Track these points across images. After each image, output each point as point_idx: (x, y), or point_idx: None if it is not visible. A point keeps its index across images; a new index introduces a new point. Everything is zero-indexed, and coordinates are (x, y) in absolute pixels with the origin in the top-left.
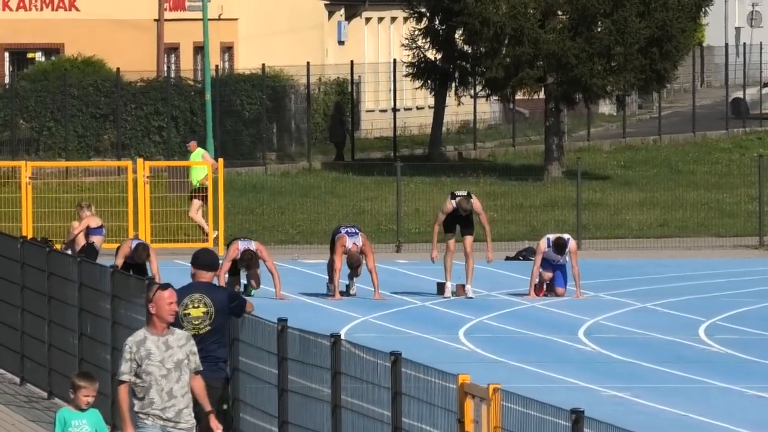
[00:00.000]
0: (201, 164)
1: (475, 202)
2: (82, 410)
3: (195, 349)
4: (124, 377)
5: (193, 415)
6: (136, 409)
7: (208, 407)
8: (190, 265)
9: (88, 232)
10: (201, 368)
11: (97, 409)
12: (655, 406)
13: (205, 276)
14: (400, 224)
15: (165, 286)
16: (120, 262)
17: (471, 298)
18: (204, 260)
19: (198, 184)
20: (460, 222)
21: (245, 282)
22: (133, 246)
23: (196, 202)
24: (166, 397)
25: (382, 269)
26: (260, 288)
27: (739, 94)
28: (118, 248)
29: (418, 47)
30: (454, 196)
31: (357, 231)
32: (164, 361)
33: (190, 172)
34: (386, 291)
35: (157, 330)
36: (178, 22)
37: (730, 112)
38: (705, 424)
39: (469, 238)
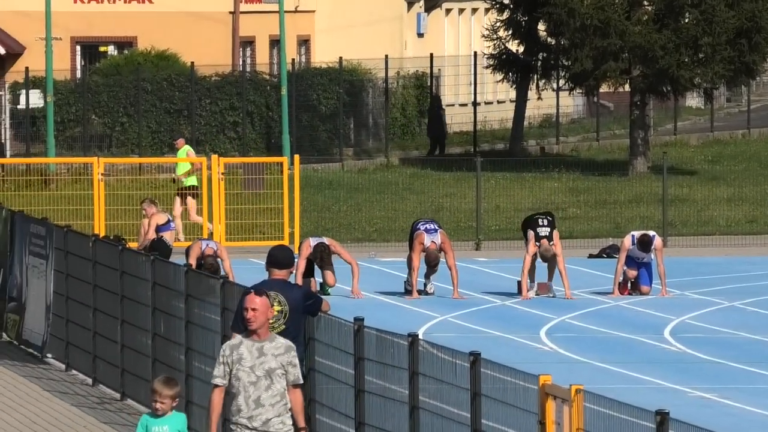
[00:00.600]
0: (186, 161)
1: (556, 245)
2: (159, 416)
3: (295, 360)
4: (216, 381)
5: (288, 423)
6: (227, 416)
7: (302, 424)
8: (265, 262)
9: (157, 229)
10: (301, 381)
11: (184, 414)
12: (743, 408)
13: (280, 274)
14: (480, 221)
15: (247, 291)
16: (192, 262)
17: (553, 296)
18: (278, 258)
19: (187, 182)
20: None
21: (321, 281)
22: (203, 248)
23: (191, 201)
24: (252, 405)
25: (461, 267)
26: (336, 285)
27: None
28: (189, 248)
29: (500, 38)
30: (537, 237)
31: (436, 228)
32: (254, 367)
33: (177, 170)
34: (465, 290)
35: (254, 335)
36: (253, 14)
37: None
38: None
39: (545, 242)
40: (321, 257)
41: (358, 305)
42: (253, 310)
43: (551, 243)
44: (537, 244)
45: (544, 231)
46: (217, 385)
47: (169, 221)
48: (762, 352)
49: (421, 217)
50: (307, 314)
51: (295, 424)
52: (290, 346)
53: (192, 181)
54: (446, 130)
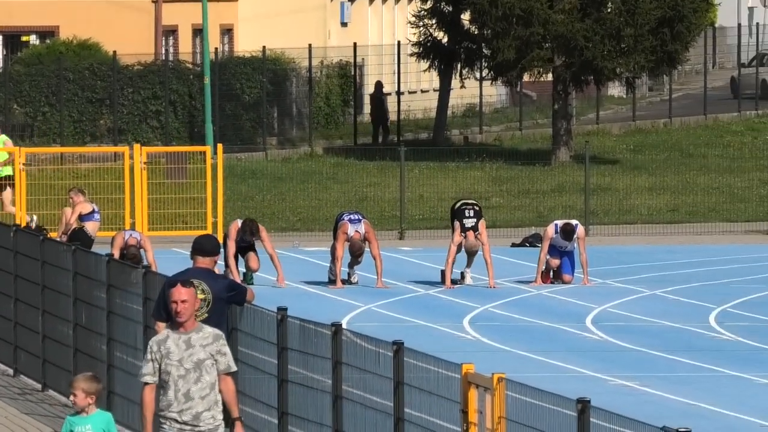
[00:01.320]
0: (3, 150)
1: (482, 234)
2: (78, 413)
3: (225, 349)
4: (146, 378)
5: (218, 418)
6: (157, 411)
7: (236, 414)
8: (190, 250)
9: (80, 218)
10: (233, 369)
11: (109, 413)
12: (664, 396)
13: (204, 262)
14: (404, 211)
15: (172, 283)
16: (116, 253)
17: (469, 284)
18: (204, 246)
19: (2, 173)
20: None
21: (244, 270)
22: (126, 238)
23: (8, 192)
24: (182, 399)
25: (385, 257)
26: (259, 268)
27: (735, 74)
28: (112, 239)
29: (425, 26)
30: (464, 228)
31: (360, 218)
32: (183, 360)
33: None
34: (389, 279)
35: (180, 328)
36: (176, 3)
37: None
38: (715, 414)
39: (471, 235)
40: (251, 230)
41: (281, 295)
42: (183, 302)
43: (477, 233)
44: (463, 235)
45: (470, 222)
46: (147, 383)
47: (93, 211)
48: (683, 340)
49: (345, 208)
50: (233, 303)
51: (228, 414)
52: (218, 334)
53: (7, 171)
54: (388, 116)
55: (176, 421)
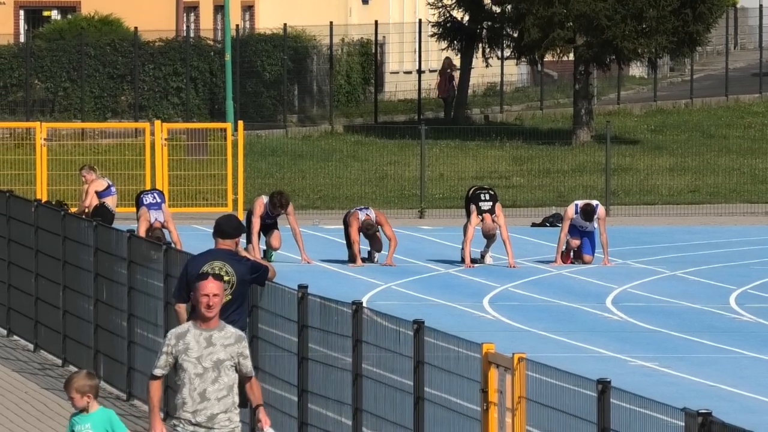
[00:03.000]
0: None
1: (499, 216)
2: (81, 412)
3: (246, 351)
4: (156, 371)
5: (235, 420)
6: (170, 410)
7: (259, 401)
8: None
9: (98, 195)
10: (253, 373)
11: (111, 410)
12: (684, 377)
13: (226, 243)
14: (424, 189)
15: (204, 276)
16: (142, 233)
17: (489, 264)
18: (224, 228)
19: None
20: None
21: (264, 248)
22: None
23: None
24: (198, 399)
25: (405, 235)
26: (280, 247)
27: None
28: (138, 217)
29: (445, 6)
30: (480, 211)
31: (367, 207)
32: (202, 358)
33: None
34: (409, 258)
35: (203, 324)
36: None
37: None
38: (735, 395)
39: (488, 218)
40: (280, 203)
41: (301, 273)
42: (215, 296)
43: (494, 216)
44: (480, 217)
45: (486, 205)
46: (156, 376)
47: (109, 186)
48: (703, 321)
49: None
50: (255, 284)
51: (251, 402)
52: (240, 335)
53: None
54: (455, 92)
55: (190, 422)
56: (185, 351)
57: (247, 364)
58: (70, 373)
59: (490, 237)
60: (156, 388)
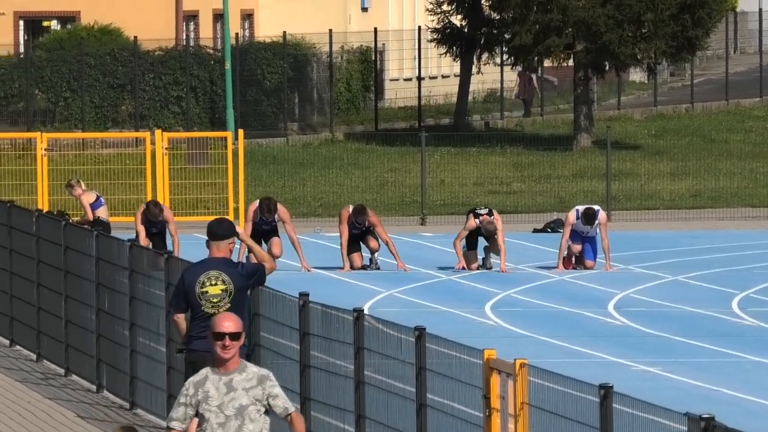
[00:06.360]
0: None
1: (497, 221)
2: None
3: (275, 390)
4: (174, 424)
5: None
6: None
7: None
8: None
9: (91, 208)
10: (292, 409)
11: None
12: (686, 381)
13: (221, 246)
14: (425, 196)
15: (218, 320)
16: (140, 228)
17: (491, 270)
18: (216, 231)
19: None
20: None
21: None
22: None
23: None
24: None
25: (405, 242)
26: (281, 254)
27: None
28: (137, 213)
29: (444, 12)
30: (476, 215)
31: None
32: (223, 406)
33: None
34: (410, 265)
35: (220, 367)
36: None
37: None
38: (737, 399)
39: (485, 216)
40: (268, 208)
41: (303, 280)
42: (232, 336)
43: (492, 218)
44: (477, 221)
45: (483, 211)
46: (172, 429)
47: (98, 197)
48: (705, 325)
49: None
50: (256, 286)
51: None
52: (263, 375)
53: None
54: (535, 94)
55: None
56: (205, 400)
57: (279, 404)
58: (72, 382)
59: (489, 234)
60: None
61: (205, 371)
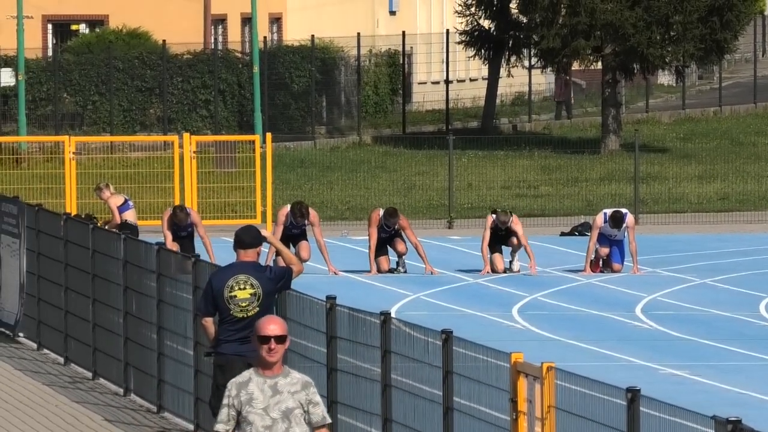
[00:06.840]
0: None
1: (517, 225)
2: None
3: (316, 398)
4: (219, 427)
5: None
6: None
7: None
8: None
9: (118, 211)
10: (329, 421)
11: None
12: (714, 385)
13: (248, 255)
14: (452, 199)
15: (263, 323)
16: (167, 232)
17: (517, 272)
18: (244, 239)
19: None
20: (502, 242)
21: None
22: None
23: None
24: None
25: (433, 245)
26: (309, 258)
27: None
28: (162, 216)
29: (472, 14)
30: (494, 211)
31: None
32: (269, 408)
33: None
34: (438, 268)
35: (265, 370)
36: None
37: None
38: (765, 402)
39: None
40: (300, 212)
41: (330, 284)
42: (278, 338)
43: (510, 218)
44: (493, 216)
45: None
46: None
47: (126, 201)
48: (733, 329)
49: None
50: (283, 290)
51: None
52: (307, 381)
53: None
54: (572, 94)
55: None
56: (249, 402)
57: (318, 412)
58: (100, 386)
59: (505, 227)
60: None
61: (248, 373)
